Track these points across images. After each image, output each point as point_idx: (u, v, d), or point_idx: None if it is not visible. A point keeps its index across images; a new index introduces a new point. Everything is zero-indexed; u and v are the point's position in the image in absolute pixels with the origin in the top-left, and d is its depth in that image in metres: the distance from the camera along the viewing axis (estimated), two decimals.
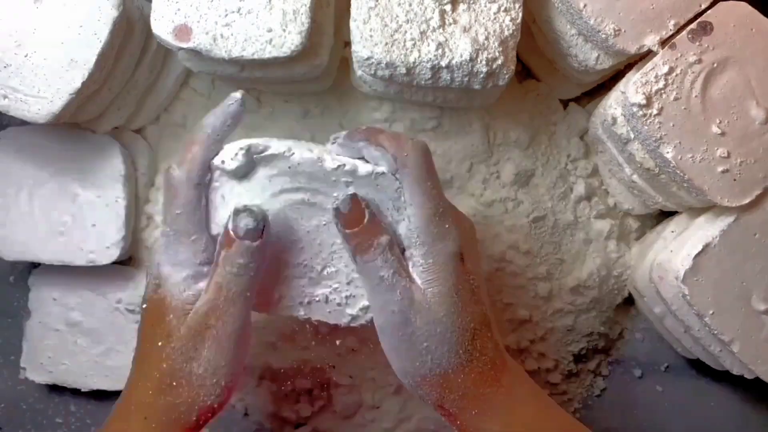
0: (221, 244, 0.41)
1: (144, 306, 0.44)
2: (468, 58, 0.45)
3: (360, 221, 0.40)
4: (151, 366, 0.42)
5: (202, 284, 0.42)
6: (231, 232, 0.40)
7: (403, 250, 0.42)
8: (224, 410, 0.44)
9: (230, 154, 0.41)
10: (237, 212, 0.40)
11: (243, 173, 0.41)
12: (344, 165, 0.41)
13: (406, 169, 0.40)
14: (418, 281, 0.41)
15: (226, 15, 0.46)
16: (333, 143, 0.43)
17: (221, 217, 0.42)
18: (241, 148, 0.41)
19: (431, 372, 0.41)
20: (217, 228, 0.42)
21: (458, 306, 0.41)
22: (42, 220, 0.56)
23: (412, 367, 0.41)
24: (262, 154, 0.41)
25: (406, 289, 0.40)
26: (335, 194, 0.41)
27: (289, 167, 0.41)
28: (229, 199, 0.42)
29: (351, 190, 0.41)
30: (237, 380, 0.43)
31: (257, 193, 0.42)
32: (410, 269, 0.41)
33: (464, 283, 0.41)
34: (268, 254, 0.42)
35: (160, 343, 0.42)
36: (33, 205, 0.55)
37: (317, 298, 0.44)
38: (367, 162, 0.42)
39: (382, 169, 0.41)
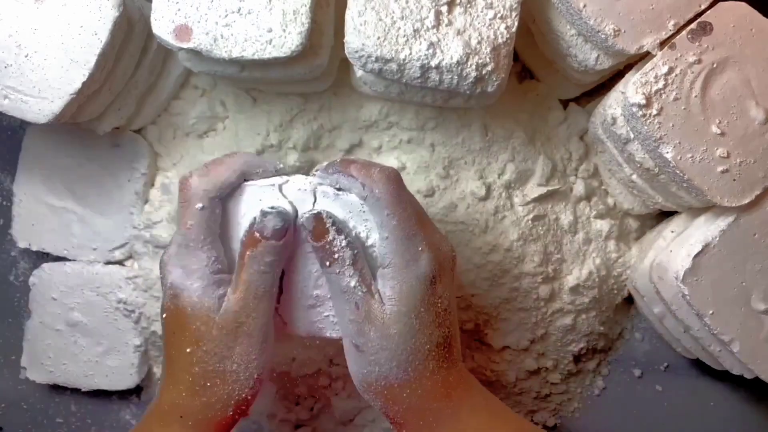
0: (245, 245, 0.43)
1: (164, 316, 0.45)
2: (458, 61, 0.45)
3: (324, 236, 0.42)
4: (181, 370, 0.44)
5: (221, 290, 0.43)
6: (256, 233, 0.42)
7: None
8: (257, 399, 0.46)
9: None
10: (265, 214, 0.42)
11: None
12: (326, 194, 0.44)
13: (373, 196, 0.42)
14: (382, 298, 0.43)
15: (227, 15, 0.46)
16: (314, 174, 0.46)
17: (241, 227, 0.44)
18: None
19: (377, 382, 0.43)
20: (236, 238, 0.45)
21: (414, 328, 0.43)
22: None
23: (360, 373, 0.44)
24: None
25: (365, 302, 0.42)
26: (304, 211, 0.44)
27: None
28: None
29: (317, 208, 0.43)
30: (267, 370, 0.45)
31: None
32: (377, 286, 0.43)
33: (429, 306, 0.43)
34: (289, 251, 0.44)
35: (188, 350, 0.43)
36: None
37: (313, 318, 0.46)
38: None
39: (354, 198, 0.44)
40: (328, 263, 0.42)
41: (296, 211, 0.44)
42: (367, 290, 0.42)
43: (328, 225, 0.42)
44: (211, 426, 0.44)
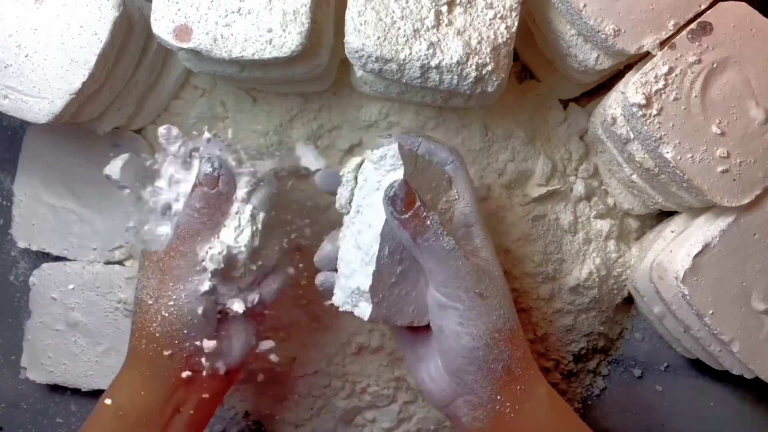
0: (192, 188, 0.46)
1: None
2: (458, 61, 0.45)
3: (413, 205, 0.41)
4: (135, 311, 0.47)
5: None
6: (198, 179, 0.45)
7: None
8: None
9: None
10: (201, 160, 0.45)
11: None
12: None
13: (458, 159, 0.45)
14: (472, 250, 0.45)
15: (227, 15, 0.46)
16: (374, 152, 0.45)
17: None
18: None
19: (504, 326, 0.44)
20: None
21: (501, 271, 0.45)
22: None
23: (490, 322, 0.43)
24: None
25: (468, 253, 0.43)
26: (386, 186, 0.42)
27: None
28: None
29: (399, 177, 0.42)
30: (210, 336, 0.46)
31: None
32: (461, 244, 0.44)
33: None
34: (224, 207, 0.46)
35: (137, 283, 0.47)
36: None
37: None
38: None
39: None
40: (420, 231, 0.41)
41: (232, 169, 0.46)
42: (458, 245, 0.43)
43: (415, 193, 0.42)
44: (162, 379, 0.45)
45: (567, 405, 0.47)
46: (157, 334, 0.45)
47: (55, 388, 0.62)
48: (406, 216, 0.41)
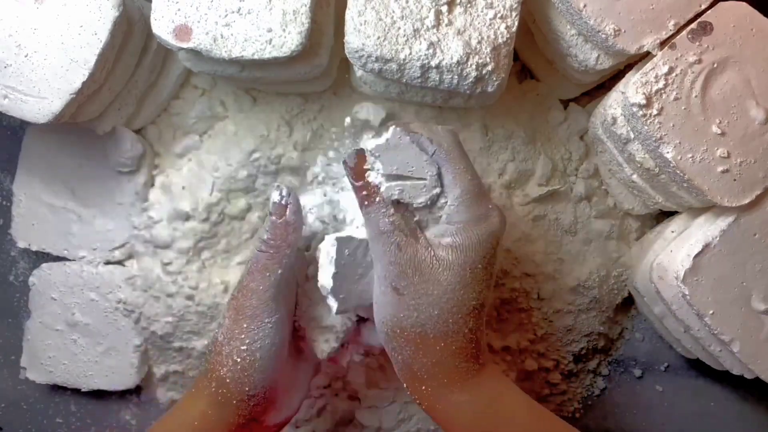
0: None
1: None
2: (458, 61, 0.45)
3: (363, 175, 0.42)
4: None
5: None
6: (269, 210, 0.44)
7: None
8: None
9: None
10: (274, 189, 0.44)
11: None
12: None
13: (442, 149, 0.42)
14: (432, 246, 0.42)
15: (226, 15, 0.46)
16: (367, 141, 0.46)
17: None
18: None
19: (412, 328, 0.42)
20: None
21: (467, 280, 0.42)
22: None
23: (396, 317, 0.42)
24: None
25: (409, 245, 0.42)
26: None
27: None
28: None
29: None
30: (276, 381, 0.45)
31: None
32: (428, 234, 0.43)
33: (487, 264, 0.42)
34: (290, 238, 0.44)
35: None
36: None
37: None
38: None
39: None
40: (366, 203, 0.42)
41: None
42: (411, 234, 0.42)
43: (369, 163, 0.42)
44: (225, 425, 0.45)
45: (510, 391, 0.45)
46: (228, 380, 0.44)
47: (55, 388, 0.62)
48: (358, 184, 0.42)
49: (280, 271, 0.44)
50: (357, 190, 0.43)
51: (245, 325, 0.44)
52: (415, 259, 0.41)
